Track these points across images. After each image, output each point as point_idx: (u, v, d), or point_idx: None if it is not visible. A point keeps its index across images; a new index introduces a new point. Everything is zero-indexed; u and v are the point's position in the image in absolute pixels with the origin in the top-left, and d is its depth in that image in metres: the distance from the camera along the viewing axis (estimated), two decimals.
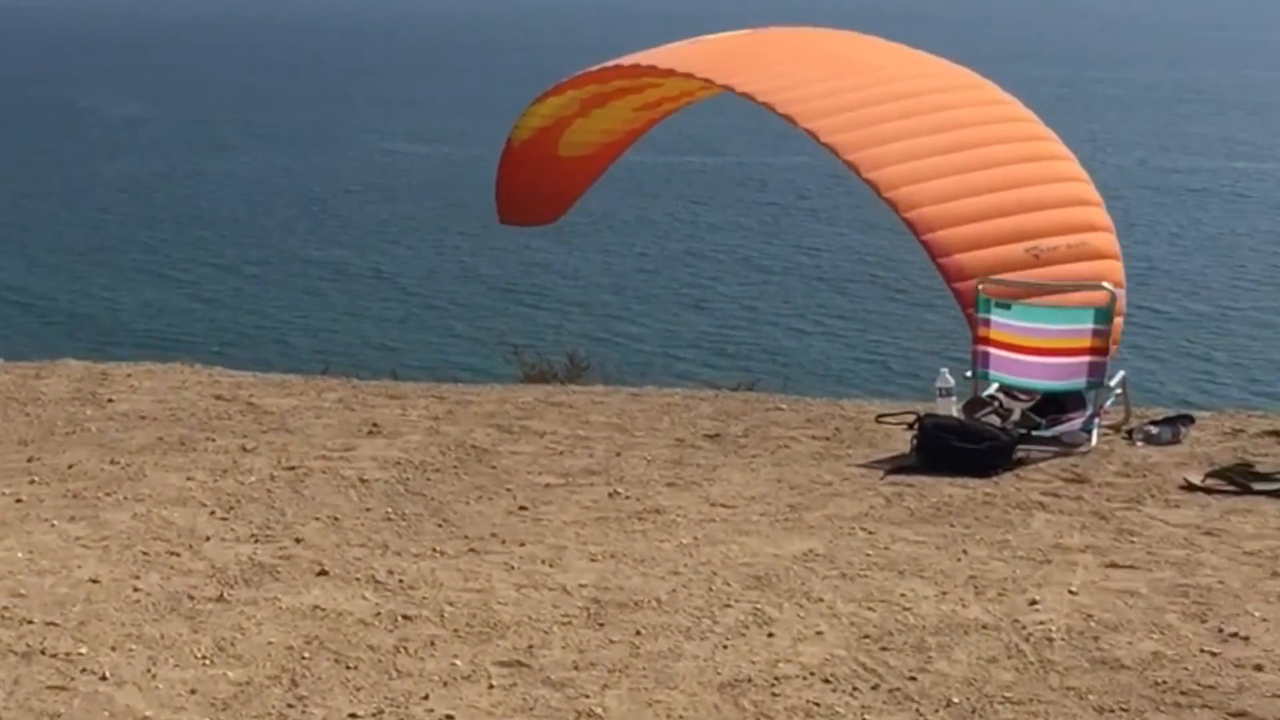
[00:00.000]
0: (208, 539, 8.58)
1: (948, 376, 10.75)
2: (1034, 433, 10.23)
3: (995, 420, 10.39)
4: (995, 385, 10.81)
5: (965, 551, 8.38)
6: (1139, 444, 10.32)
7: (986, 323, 10.59)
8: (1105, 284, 10.25)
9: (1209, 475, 9.49)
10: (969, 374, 10.82)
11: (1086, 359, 10.33)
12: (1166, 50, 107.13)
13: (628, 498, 9.38)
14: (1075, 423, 10.35)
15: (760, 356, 34.17)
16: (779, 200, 52.93)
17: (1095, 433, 10.30)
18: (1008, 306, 10.54)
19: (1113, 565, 8.15)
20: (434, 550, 8.43)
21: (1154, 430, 10.39)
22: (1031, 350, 10.53)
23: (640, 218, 51.13)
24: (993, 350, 10.63)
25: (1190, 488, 9.38)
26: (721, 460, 10.13)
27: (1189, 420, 10.62)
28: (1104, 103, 73.58)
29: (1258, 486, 9.30)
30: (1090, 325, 10.26)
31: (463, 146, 65.91)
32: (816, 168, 53.89)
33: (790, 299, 39.50)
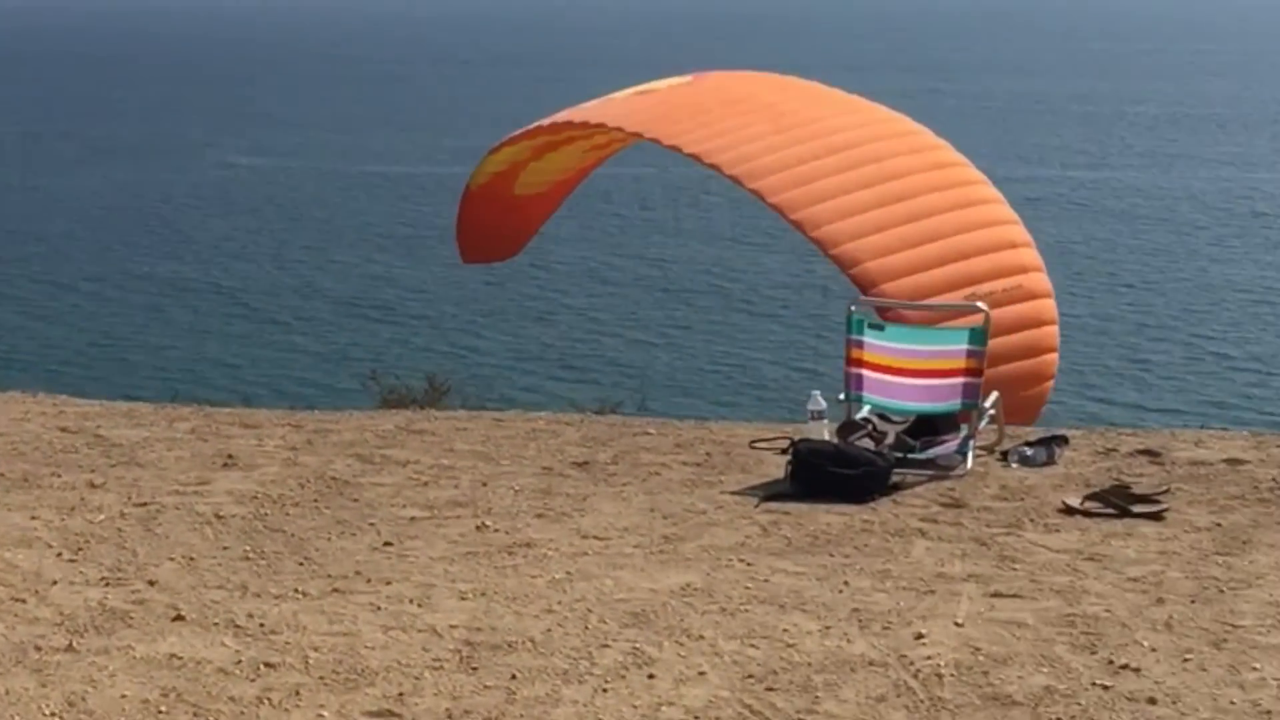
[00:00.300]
0: (55, 583, 8.12)
1: (819, 399, 10.55)
2: (909, 456, 10.04)
3: (869, 444, 10.20)
4: (868, 408, 10.63)
5: (847, 583, 8.17)
6: (1014, 465, 10.18)
7: (859, 344, 10.40)
8: (980, 304, 10.12)
9: (1087, 498, 9.36)
10: (841, 397, 10.62)
11: (961, 380, 10.18)
12: (1005, 58, 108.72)
13: (496, 530, 9.05)
14: (950, 445, 10.19)
15: (608, 370, 34.03)
16: (623, 211, 52.80)
17: (970, 455, 10.14)
18: (881, 328, 10.38)
19: (997, 595, 7.97)
20: (296, 591, 8.05)
21: (1029, 451, 10.26)
22: (905, 372, 10.37)
23: None
24: (866, 372, 10.44)
25: (1069, 511, 9.25)
26: (591, 489, 9.84)
27: (1063, 441, 10.51)
28: (945, 114, 74.40)
29: (1136, 509, 9.19)
30: (965, 346, 10.11)
31: (304, 159, 65.19)
32: (660, 178, 54.07)
33: (636, 312, 39.39)
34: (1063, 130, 70.14)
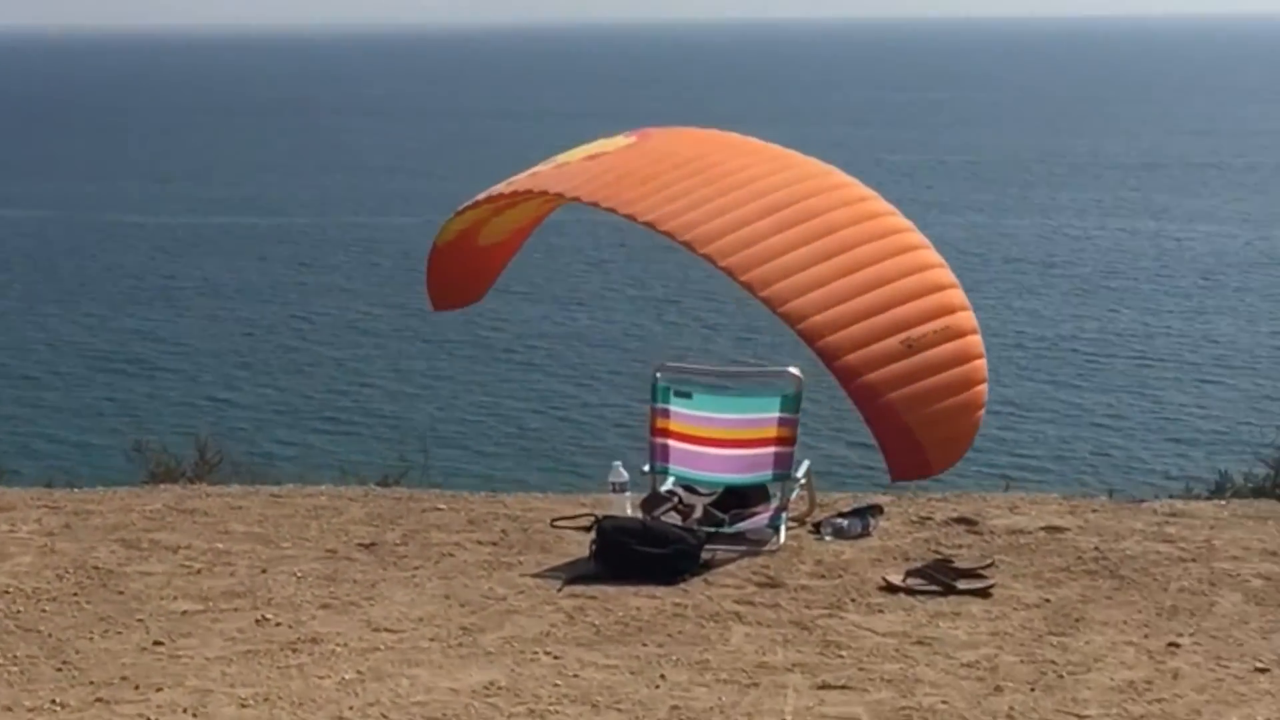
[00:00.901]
0: None
1: (620, 470, 9.93)
2: (718, 530, 9.47)
3: (676, 518, 9.61)
4: (672, 480, 10.05)
5: (663, 676, 7.55)
6: (828, 538, 9.67)
7: (665, 413, 9.83)
8: (792, 369, 9.62)
9: (909, 574, 8.87)
10: (646, 468, 10.02)
11: (773, 450, 9.65)
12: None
13: (278, 624, 8.26)
14: (761, 518, 9.64)
15: (371, 422, 33.07)
16: (384, 261, 51.91)
17: (783, 529, 9.60)
18: (689, 395, 9.82)
19: (825, 686, 7.43)
20: (53, 703, 7.21)
21: (842, 523, 9.76)
22: (714, 442, 9.82)
23: (245, 282, 49.52)
24: (672, 442, 9.86)
25: (891, 588, 8.75)
26: (381, 574, 9.08)
27: (878, 510, 10.04)
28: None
29: (961, 585, 8.72)
30: (776, 414, 9.60)
31: (56, 210, 63.22)
32: (424, 227, 53.19)
33: (401, 364, 38.45)
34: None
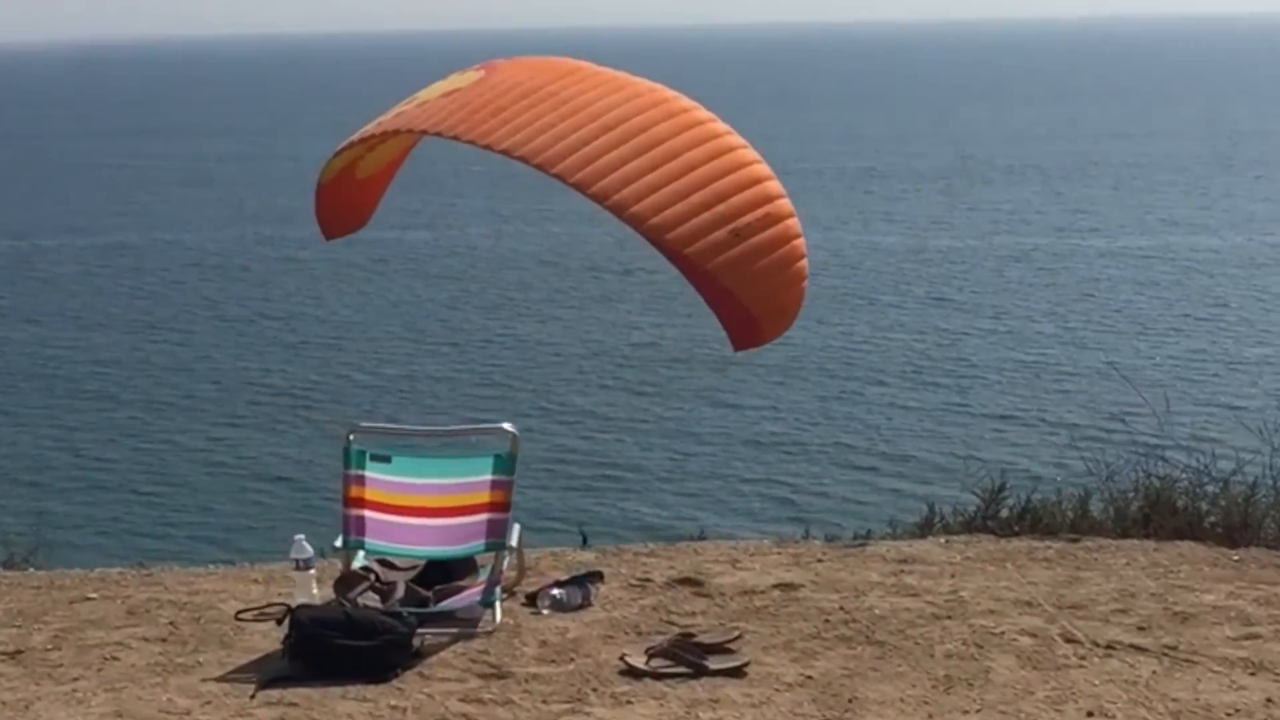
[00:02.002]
0: None
1: (305, 545, 8.66)
2: (424, 611, 8.32)
3: (375, 599, 8.42)
4: (363, 554, 8.84)
5: None
6: (545, 612, 8.62)
7: (360, 480, 8.61)
8: (506, 425, 8.55)
9: (652, 654, 7.87)
10: (339, 543, 8.79)
11: (485, 516, 8.55)
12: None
13: None
14: (472, 594, 8.53)
15: None
16: None
17: (498, 604, 8.50)
18: (386, 460, 8.65)
19: None
20: None
21: (560, 594, 8.72)
22: (418, 511, 8.65)
23: None
24: (369, 513, 8.65)
25: (635, 673, 7.74)
26: (34, 691, 7.62)
27: (597, 577, 9.03)
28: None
29: (712, 664, 7.77)
30: (489, 476, 8.50)
31: None
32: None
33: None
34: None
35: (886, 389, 36.29)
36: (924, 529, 10.73)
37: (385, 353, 40.77)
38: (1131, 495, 10.51)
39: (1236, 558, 9.58)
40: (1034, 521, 10.26)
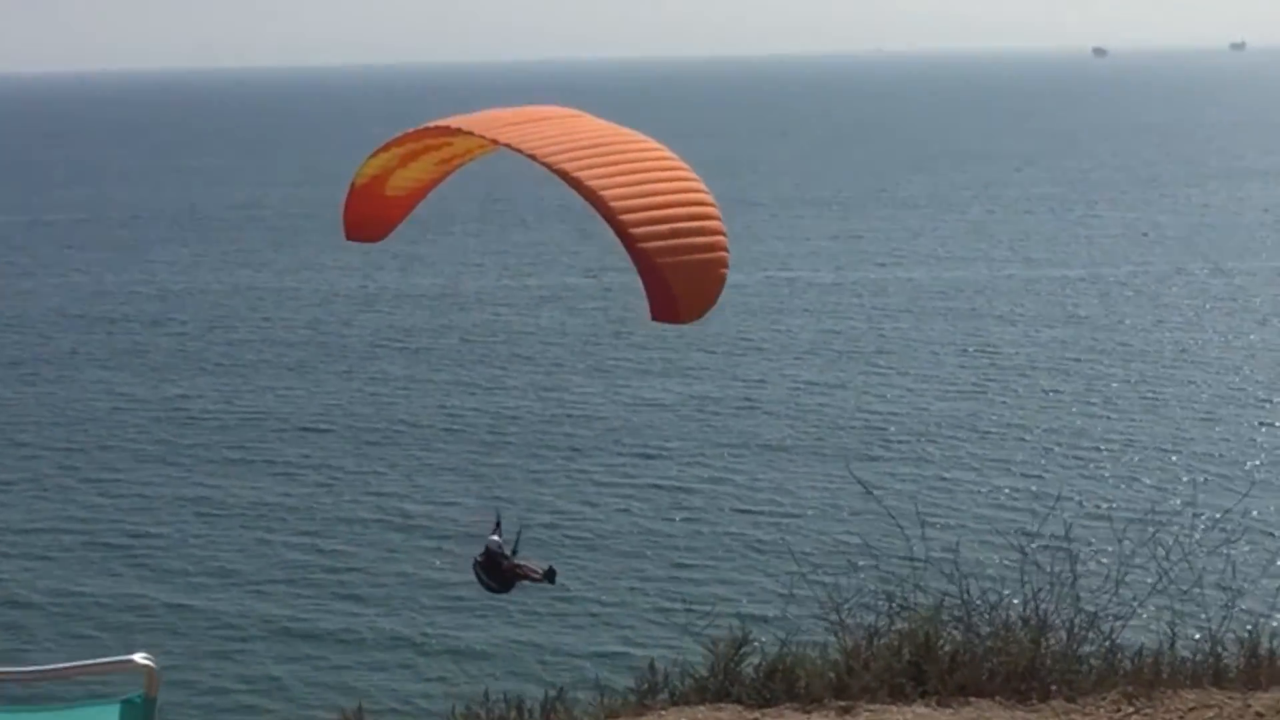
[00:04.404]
0: None
1: None
2: None
3: None
4: None
5: None
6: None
7: None
8: (138, 657, 6.42)
9: None
10: None
11: None
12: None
13: None
14: None
15: None
16: None
17: None
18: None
19: None
20: None
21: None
22: None
23: None
24: None
25: None
26: None
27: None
28: None
29: None
30: None
31: None
32: None
33: None
34: None
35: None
36: (646, 693, 8.67)
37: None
38: (897, 641, 8.54)
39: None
40: (788, 683, 8.09)
